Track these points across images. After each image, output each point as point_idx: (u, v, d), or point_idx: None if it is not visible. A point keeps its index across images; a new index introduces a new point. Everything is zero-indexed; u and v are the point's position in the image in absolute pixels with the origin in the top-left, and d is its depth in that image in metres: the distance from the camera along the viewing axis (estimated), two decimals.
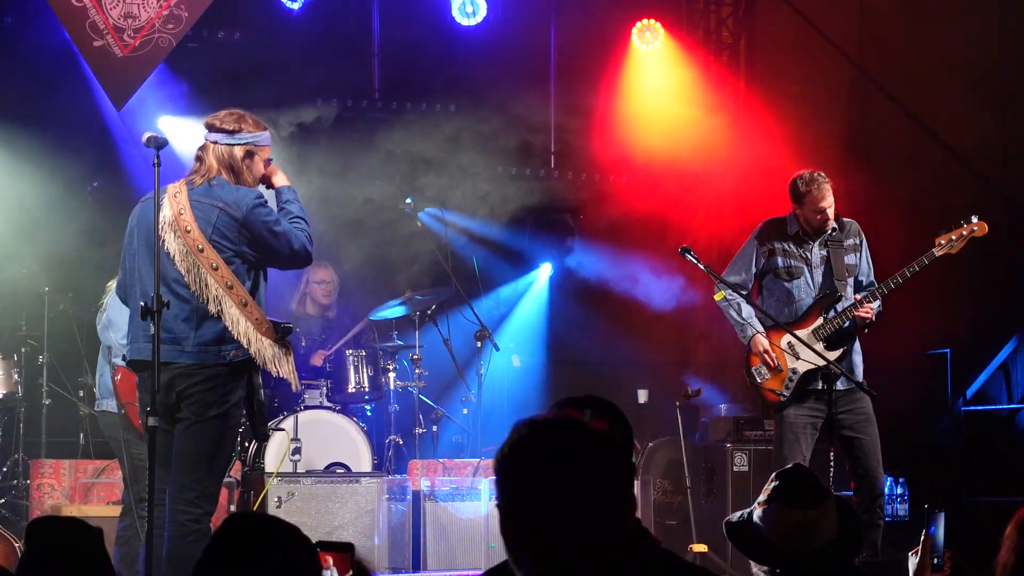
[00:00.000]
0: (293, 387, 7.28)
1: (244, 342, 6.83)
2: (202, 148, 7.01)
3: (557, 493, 2.85)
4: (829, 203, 8.78)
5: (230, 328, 6.79)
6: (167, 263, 6.79)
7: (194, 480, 6.78)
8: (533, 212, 13.59)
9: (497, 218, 13.17)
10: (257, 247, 6.93)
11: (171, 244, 6.79)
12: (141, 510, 7.85)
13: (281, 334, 7.00)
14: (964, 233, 8.70)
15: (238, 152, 6.97)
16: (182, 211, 6.83)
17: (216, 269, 6.78)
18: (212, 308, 6.77)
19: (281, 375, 6.99)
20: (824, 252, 8.91)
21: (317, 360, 11.33)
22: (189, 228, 6.79)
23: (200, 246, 6.77)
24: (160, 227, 6.82)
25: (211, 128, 7.00)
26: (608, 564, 2.87)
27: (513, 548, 2.94)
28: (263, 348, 6.89)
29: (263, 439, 7.91)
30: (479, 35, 13.78)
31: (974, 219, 8.74)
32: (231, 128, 7.00)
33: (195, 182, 6.94)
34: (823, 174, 8.81)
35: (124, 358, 7.64)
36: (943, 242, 8.70)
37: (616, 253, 13.71)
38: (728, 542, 4.98)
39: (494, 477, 2.96)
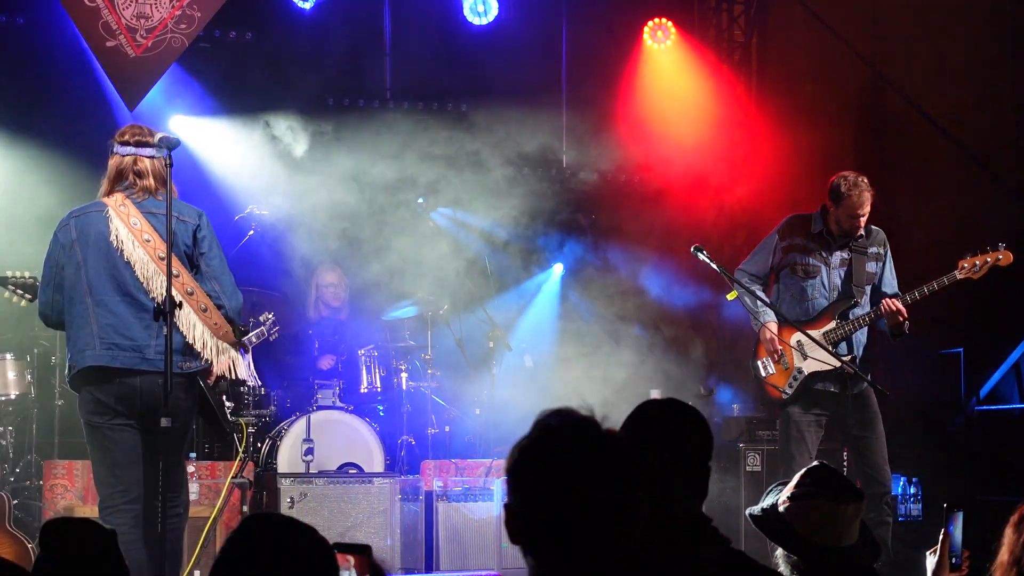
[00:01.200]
0: (250, 382, 7.70)
1: (199, 345, 7.09)
2: (135, 163, 7.19)
3: (562, 496, 2.85)
4: (865, 211, 8.78)
5: (186, 332, 7.04)
6: (126, 272, 7.05)
7: (181, 478, 7.21)
8: (545, 212, 13.57)
9: (509, 218, 13.14)
10: (204, 256, 7.22)
11: (131, 254, 7.03)
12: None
13: (238, 337, 7.29)
14: (988, 260, 8.71)
15: (164, 164, 7.12)
16: (136, 222, 7.06)
17: (177, 276, 6.98)
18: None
19: (240, 376, 7.31)
20: (846, 255, 8.91)
21: (326, 364, 11.34)
22: (149, 238, 7.04)
23: (161, 254, 6.96)
24: (114, 238, 7.05)
25: (142, 144, 7.18)
26: (613, 566, 2.87)
27: (519, 544, 2.95)
28: (219, 351, 7.16)
29: (231, 433, 8.25)
30: (491, 35, 13.77)
31: (1001, 246, 8.74)
32: (156, 143, 7.16)
33: (138, 196, 7.16)
34: (867, 180, 8.79)
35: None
36: (966, 266, 8.71)
37: (629, 253, 13.70)
38: (742, 540, 5.00)
39: (504, 477, 2.96)
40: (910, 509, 11.39)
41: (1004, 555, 4.05)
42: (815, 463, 4.71)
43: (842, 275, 8.90)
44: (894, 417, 9.16)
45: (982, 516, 10.43)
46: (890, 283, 8.99)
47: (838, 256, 8.91)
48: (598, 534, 2.85)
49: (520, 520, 2.91)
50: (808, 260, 8.92)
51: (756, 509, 4.76)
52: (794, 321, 8.76)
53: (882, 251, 8.99)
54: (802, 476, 4.63)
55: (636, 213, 13.55)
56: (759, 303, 8.92)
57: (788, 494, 4.61)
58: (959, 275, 8.69)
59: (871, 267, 8.93)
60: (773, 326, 8.90)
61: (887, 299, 8.71)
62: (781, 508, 4.61)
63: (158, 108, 11.58)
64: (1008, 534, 4.10)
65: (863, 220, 8.81)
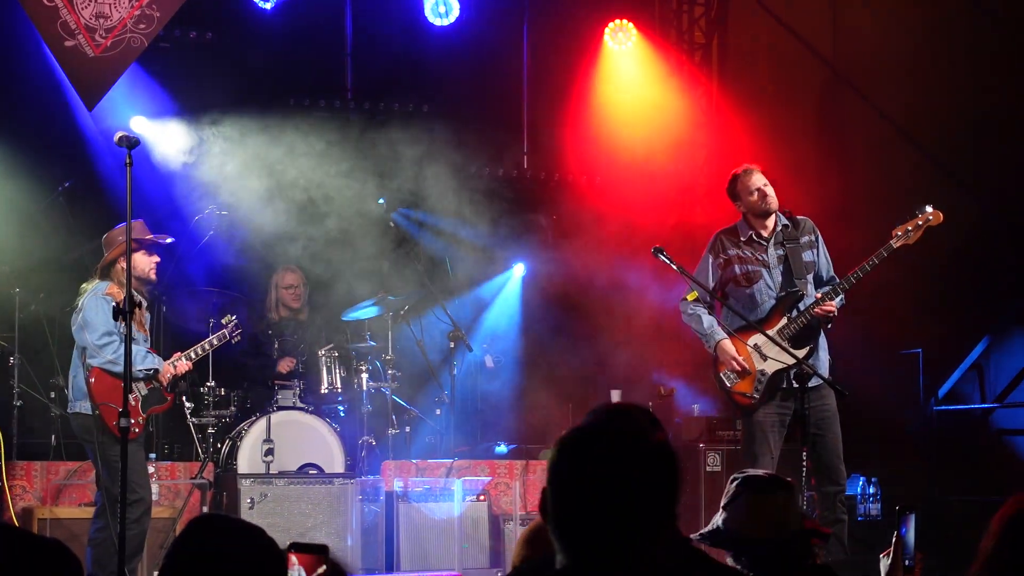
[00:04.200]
0: None
1: None
2: None
3: (613, 503, 2.83)
4: (762, 182, 8.87)
5: None
6: None
7: None
8: (506, 212, 13.58)
9: (470, 218, 13.15)
10: None
11: None
12: (117, 511, 7.93)
13: None
14: (920, 223, 8.72)
15: None
16: None
17: None
18: None
19: None
20: (781, 252, 8.93)
21: (284, 367, 11.27)
22: None
23: None
24: None
25: None
26: (651, 565, 2.86)
27: (554, 534, 2.93)
28: None
29: None
30: (452, 35, 13.77)
31: (928, 208, 8.76)
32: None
33: None
34: (754, 166, 8.92)
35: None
36: (900, 233, 8.72)
37: (589, 253, 13.71)
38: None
39: (548, 467, 2.93)
40: (869, 509, 11.43)
41: (990, 543, 3.95)
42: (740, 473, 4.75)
43: (783, 271, 8.92)
44: (853, 417, 9.18)
45: (941, 515, 10.50)
46: (826, 267, 9.03)
47: (774, 255, 8.93)
48: (645, 533, 2.83)
49: (558, 512, 2.89)
50: (747, 268, 8.95)
51: (695, 536, 4.79)
52: (752, 322, 8.77)
53: (813, 237, 9.02)
54: (729, 484, 4.67)
55: (597, 214, 13.56)
56: (704, 324, 8.95)
57: (722, 504, 4.64)
58: (895, 244, 8.68)
59: (808, 256, 8.96)
60: (727, 344, 8.90)
61: (817, 307, 8.71)
62: (720, 523, 4.63)
63: (117, 108, 11.54)
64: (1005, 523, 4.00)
65: (768, 191, 8.85)
